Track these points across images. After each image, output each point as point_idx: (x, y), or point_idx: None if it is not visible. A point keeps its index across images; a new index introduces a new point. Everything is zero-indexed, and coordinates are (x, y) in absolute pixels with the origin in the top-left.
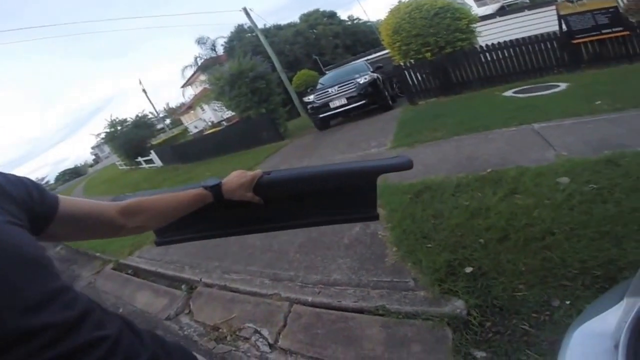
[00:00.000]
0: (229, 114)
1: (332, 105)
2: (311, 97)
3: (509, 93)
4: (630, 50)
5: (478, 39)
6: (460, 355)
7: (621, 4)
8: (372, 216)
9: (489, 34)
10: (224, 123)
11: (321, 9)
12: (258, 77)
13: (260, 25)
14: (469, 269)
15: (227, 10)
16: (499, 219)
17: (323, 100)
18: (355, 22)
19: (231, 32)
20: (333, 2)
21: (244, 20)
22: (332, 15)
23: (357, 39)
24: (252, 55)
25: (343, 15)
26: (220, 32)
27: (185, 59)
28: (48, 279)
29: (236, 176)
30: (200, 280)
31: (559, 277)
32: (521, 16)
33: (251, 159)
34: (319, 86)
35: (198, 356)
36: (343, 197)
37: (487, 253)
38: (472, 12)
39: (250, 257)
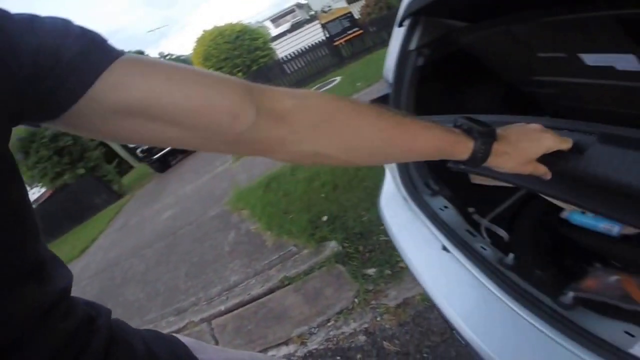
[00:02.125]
0: (36, 191)
1: None
2: None
3: None
4: (367, 44)
5: (277, 52)
6: (360, 279)
7: (357, 9)
8: None
9: (286, 48)
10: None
11: (126, 50)
12: (60, 134)
13: None
14: (324, 217)
15: None
16: (327, 176)
17: None
18: (167, 58)
19: None
20: (137, 42)
21: None
22: (140, 54)
23: None
24: None
25: (152, 53)
26: None
27: None
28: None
29: (525, 134)
30: None
31: None
32: (304, 30)
33: (84, 237)
34: None
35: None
36: None
37: (330, 201)
38: (269, 33)
39: (140, 310)
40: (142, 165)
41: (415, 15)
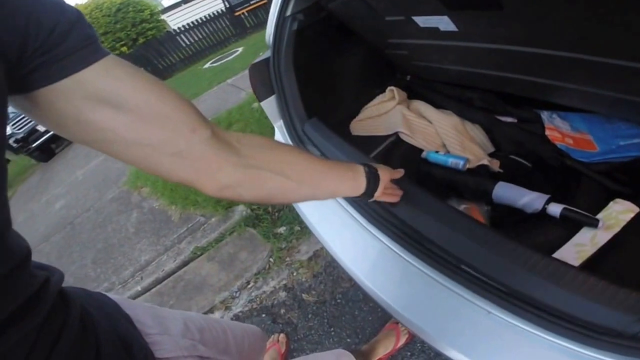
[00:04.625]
0: None
1: (41, 128)
2: (8, 130)
3: (207, 65)
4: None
5: (170, 24)
6: (272, 239)
7: None
8: None
9: (180, 20)
10: None
11: None
12: None
13: None
14: None
15: None
16: None
17: (26, 127)
18: None
19: None
20: None
21: None
22: None
23: None
24: None
25: None
26: None
27: None
28: None
29: (380, 168)
30: None
31: None
32: (200, 0)
33: None
34: (12, 115)
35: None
36: None
37: None
38: (160, 3)
39: None
40: (20, 158)
41: None
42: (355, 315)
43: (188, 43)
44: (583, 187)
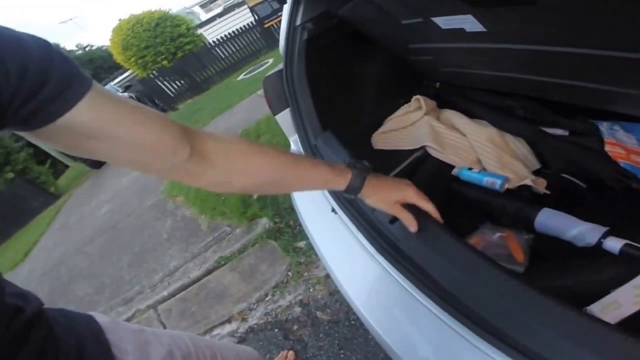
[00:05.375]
0: None
1: None
2: None
3: (241, 77)
4: None
5: (208, 37)
6: (291, 252)
7: None
8: None
9: (215, 33)
10: None
11: None
12: None
13: None
14: (255, 196)
15: None
16: None
17: None
18: (87, 49)
19: None
20: (48, 35)
21: None
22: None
23: (97, 65)
24: None
25: (69, 45)
26: None
27: None
28: None
29: (394, 181)
30: None
31: None
32: (234, 14)
33: (26, 241)
34: None
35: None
36: None
37: None
38: (198, 18)
39: (90, 304)
40: (78, 164)
41: None
42: (368, 339)
43: (223, 56)
44: None
